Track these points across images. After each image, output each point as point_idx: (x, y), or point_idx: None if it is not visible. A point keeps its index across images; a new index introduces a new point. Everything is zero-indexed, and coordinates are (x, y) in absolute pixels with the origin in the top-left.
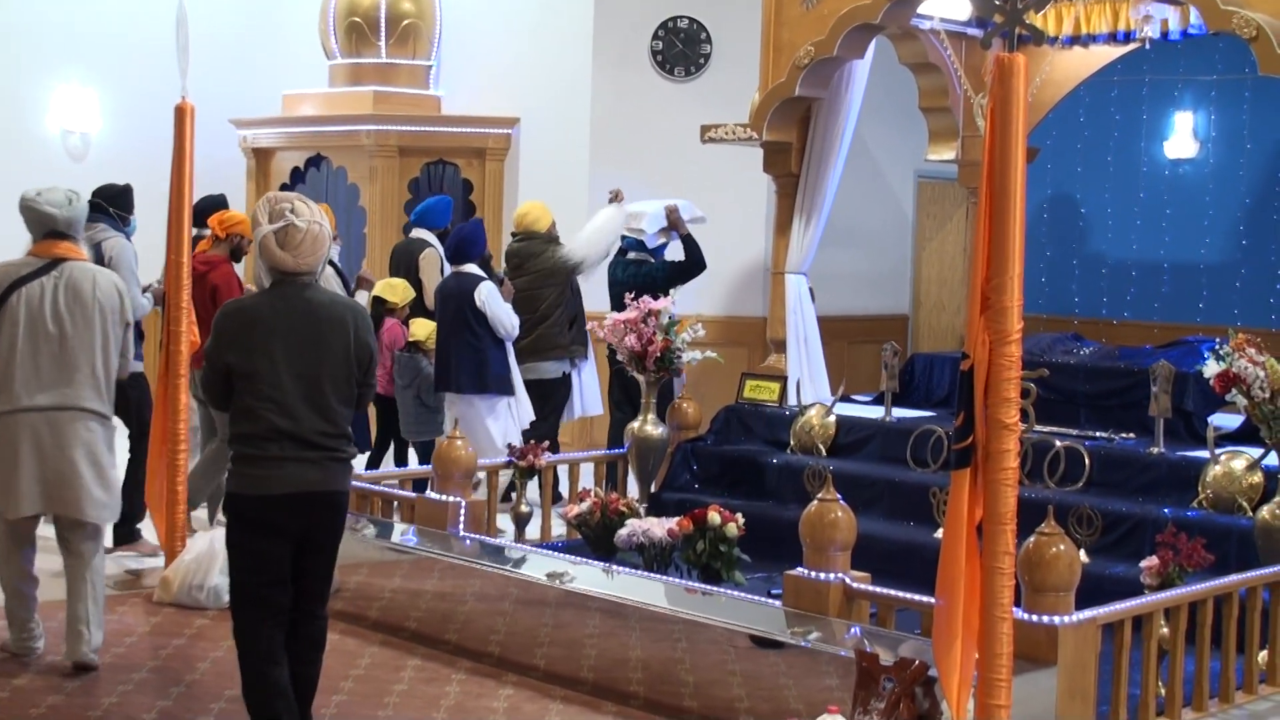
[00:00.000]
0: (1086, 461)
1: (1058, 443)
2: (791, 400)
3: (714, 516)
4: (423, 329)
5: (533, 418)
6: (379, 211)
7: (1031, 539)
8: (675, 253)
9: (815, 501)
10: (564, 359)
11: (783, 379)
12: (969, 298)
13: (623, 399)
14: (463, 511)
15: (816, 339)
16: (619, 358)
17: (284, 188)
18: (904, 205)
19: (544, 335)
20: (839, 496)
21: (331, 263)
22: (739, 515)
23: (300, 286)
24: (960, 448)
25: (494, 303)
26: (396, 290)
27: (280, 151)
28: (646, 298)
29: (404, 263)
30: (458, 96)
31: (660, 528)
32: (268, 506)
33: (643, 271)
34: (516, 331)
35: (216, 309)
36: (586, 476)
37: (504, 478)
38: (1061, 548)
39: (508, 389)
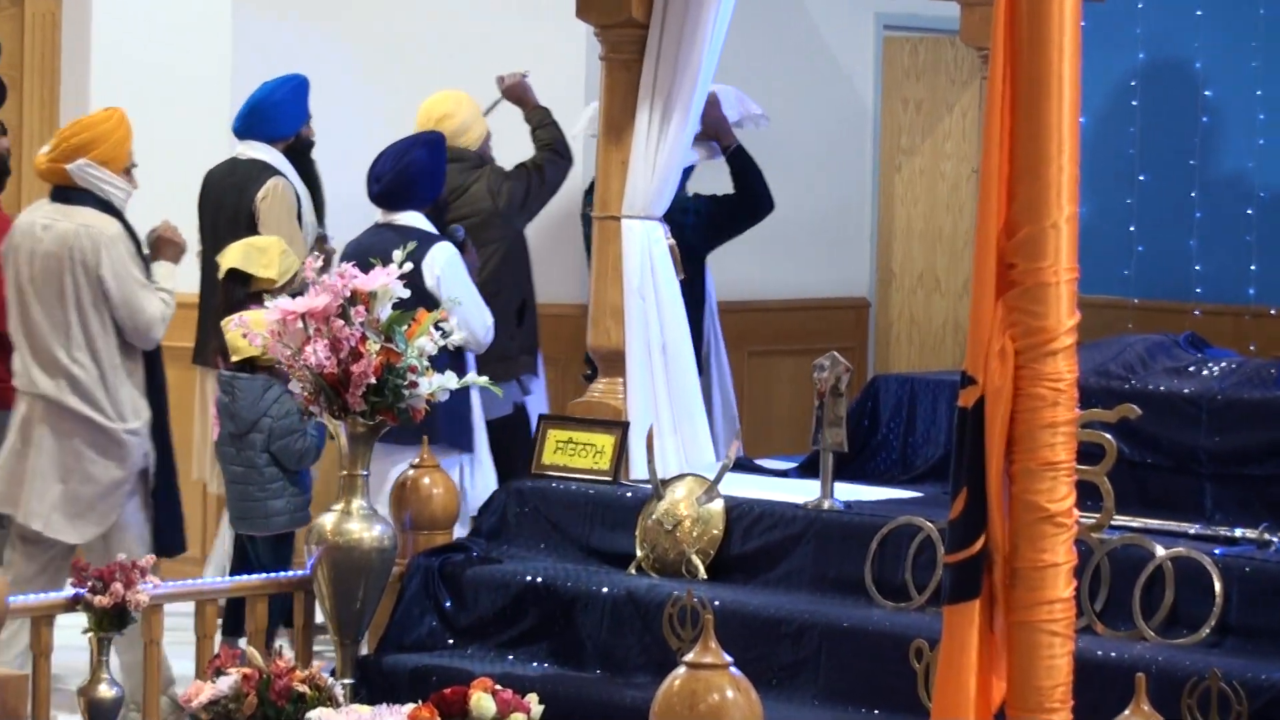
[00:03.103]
0: (1218, 588)
1: (1159, 550)
2: (637, 471)
3: (482, 701)
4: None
5: (494, 488)
6: None
7: None
8: (712, 181)
9: (683, 669)
10: (509, 380)
11: (619, 428)
12: (976, 266)
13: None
14: None
15: (685, 347)
16: (294, 388)
17: None
18: (859, 86)
19: None
20: (729, 660)
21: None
22: (532, 698)
23: None
24: (960, 560)
25: (457, 283)
26: (270, 255)
27: None
28: (378, 270)
29: (229, 205)
30: None
31: None
32: None
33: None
34: (490, 337)
35: None
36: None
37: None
38: None
39: (467, 441)
